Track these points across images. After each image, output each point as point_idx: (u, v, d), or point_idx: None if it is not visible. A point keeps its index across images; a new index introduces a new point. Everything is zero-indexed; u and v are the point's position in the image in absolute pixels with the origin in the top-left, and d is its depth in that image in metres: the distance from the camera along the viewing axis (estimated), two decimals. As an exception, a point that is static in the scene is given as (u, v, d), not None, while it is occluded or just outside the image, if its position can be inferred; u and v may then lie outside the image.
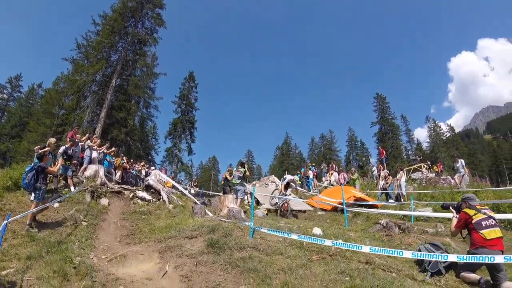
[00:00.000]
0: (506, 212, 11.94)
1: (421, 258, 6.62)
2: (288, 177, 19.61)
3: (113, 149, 20.79)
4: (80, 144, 16.59)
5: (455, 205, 7.24)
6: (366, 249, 6.59)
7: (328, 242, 7.34)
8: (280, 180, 29.81)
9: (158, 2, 40.22)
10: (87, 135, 19.17)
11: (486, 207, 6.72)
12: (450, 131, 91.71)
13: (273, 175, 33.03)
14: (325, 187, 25.04)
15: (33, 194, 9.27)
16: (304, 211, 17.60)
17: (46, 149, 10.53)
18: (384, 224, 11.18)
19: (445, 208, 7.82)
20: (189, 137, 56.14)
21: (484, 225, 6.14)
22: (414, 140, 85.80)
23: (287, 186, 18.26)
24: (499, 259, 5.24)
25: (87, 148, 17.08)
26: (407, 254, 6.22)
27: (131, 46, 38.81)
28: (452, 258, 5.76)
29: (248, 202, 18.05)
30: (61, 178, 13.82)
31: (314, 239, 7.77)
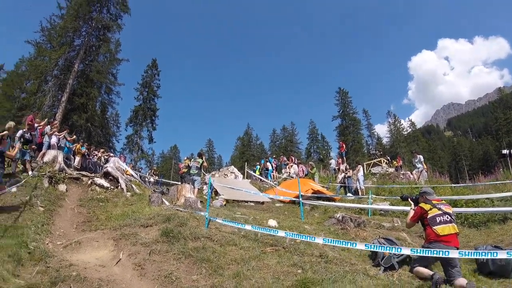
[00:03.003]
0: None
1: (375, 250, 6.63)
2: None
3: (73, 137, 20.63)
4: (39, 128, 16.47)
5: (413, 197, 7.28)
6: (319, 240, 6.69)
7: (281, 233, 7.54)
8: (239, 171, 30.09)
9: (124, -13, 39.57)
10: (45, 119, 19.01)
11: (443, 202, 6.69)
12: (411, 127, 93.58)
13: (232, 166, 32.95)
14: (285, 179, 25.24)
15: (-11, 178, 9.27)
16: (262, 203, 17.66)
17: (4, 133, 10.49)
18: (340, 218, 11.16)
19: (404, 199, 7.80)
20: (151, 125, 55.60)
21: (438, 221, 6.09)
22: (375, 135, 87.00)
23: None
24: (453, 253, 5.31)
25: (46, 133, 16.96)
26: (361, 246, 6.32)
27: (95, 31, 38.25)
28: (406, 251, 5.93)
29: (207, 192, 18.14)
30: (19, 162, 13.74)
31: (268, 230, 8.00)
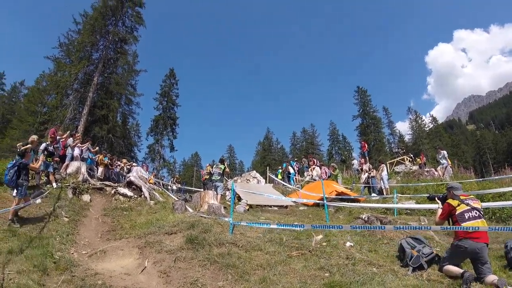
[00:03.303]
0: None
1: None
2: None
3: (96, 149, 20.88)
4: (61, 141, 16.65)
5: (441, 196, 7.05)
6: (347, 227, 6.67)
7: (307, 226, 7.53)
8: (261, 176, 29.99)
9: (138, 0, 39.89)
10: (68, 132, 19.22)
11: (471, 196, 6.50)
12: (433, 122, 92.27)
13: (254, 171, 32.89)
14: (307, 182, 24.91)
15: (15, 190, 9.39)
16: (286, 207, 17.54)
17: (27, 146, 10.60)
18: (366, 219, 11.01)
19: (431, 199, 7.55)
20: (171, 133, 55.78)
21: (467, 217, 5.93)
22: (397, 133, 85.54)
23: None
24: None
25: (69, 145, 17.13)
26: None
27: (112, 44, 38.45)
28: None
29: (230, 198, 18.04)
30: (43, 174, 13.89)
31: (294, 225, 7.98)
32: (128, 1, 39.16)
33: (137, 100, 45.69)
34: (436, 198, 7.15)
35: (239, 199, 17.36)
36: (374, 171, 19.75)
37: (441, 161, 21.34)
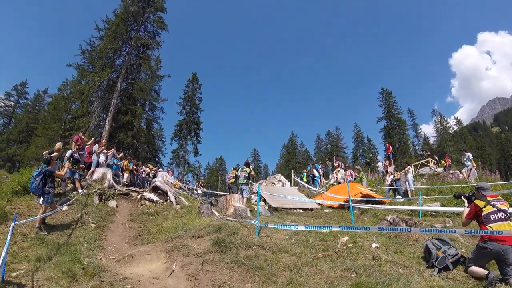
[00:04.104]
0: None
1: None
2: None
3: (121, 154, 21.03)
4: (86, 148, 16.76)
5: (467, 195, 6.99)
6: (374, 229, 6.61)
7: (336, 228, 7.47)
8: (286, 179, 29.86)
9: (159, 5, 40.18)
10: (92, 138, 19.35)
11: (499, 198, 6.40)
12: (457, 125, 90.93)
13: (279, 174, 32.77)
14: (332, 185, 24.74)
15: (41, 198, 9.42)
16: (311, 209, 17.42)
17: (54, 154, 10.64)
18: (391, 220, 10.95)
19: (457, 197, 7.39)
20: (195, 138, 55.90)
21: (492, 219, 5.91)
22: (421, 135, 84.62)
23: None
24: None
25: (94, 152, 17.25)
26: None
27: (134, 50, 38.80)
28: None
29: (255, 201, 17.99)
30: (69, 181, 13.97)
31: (321, 227, 7.88)
32: (149, 6, 39.49)
33: (161, 105, 46.04)
34: (462, 197, 7.09)
35: (265, 202, 17.30)
36: (398, 173, 19.50)
37: (466, 163, 20.99)
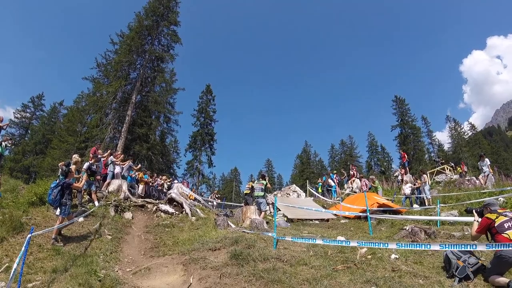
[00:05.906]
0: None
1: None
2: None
3: (139, 166, 21.12)
4: (102, 159, 16.82)
5: (478, 210, 7.02)
6: (393, 245, 6.52)
7: (353, 243, 7.37)
8: (301, 189, 29.68)
9: (173, 19, 40.72)
10: (109, 151, 19.45)
11: (508, 210, 6.56)
12: (472, 130, 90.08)
13: (294, 185, 32.60)
14: (347, 195, 24.53)
15: (58, 210, 9.43)
16: (327, 220, 17.32)
17: (72, 166, 10.68)
18: (410, 230, 10.91)
19: (468, 212, 7.51)
20: (209, 149, 56.18)
21: (507, 227, 5.94)
22: (436, 142, 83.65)
23: None
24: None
25: (110, 163, 17.31)
26: (435, 246, 6.19)
27: (149, 63, 39.17)
28: (481, 247, 5.76)
29: (271, 212, 17.81)
30: (85, 193, 14.00)
31: (340, 242, 7.80)
32: (163, 20, 40.05)
33: (175, 117, 46.19)
34: (473, 211, 7.13)
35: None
36: (419, 181, 19.29)
37: (483, 168, 20.66)
